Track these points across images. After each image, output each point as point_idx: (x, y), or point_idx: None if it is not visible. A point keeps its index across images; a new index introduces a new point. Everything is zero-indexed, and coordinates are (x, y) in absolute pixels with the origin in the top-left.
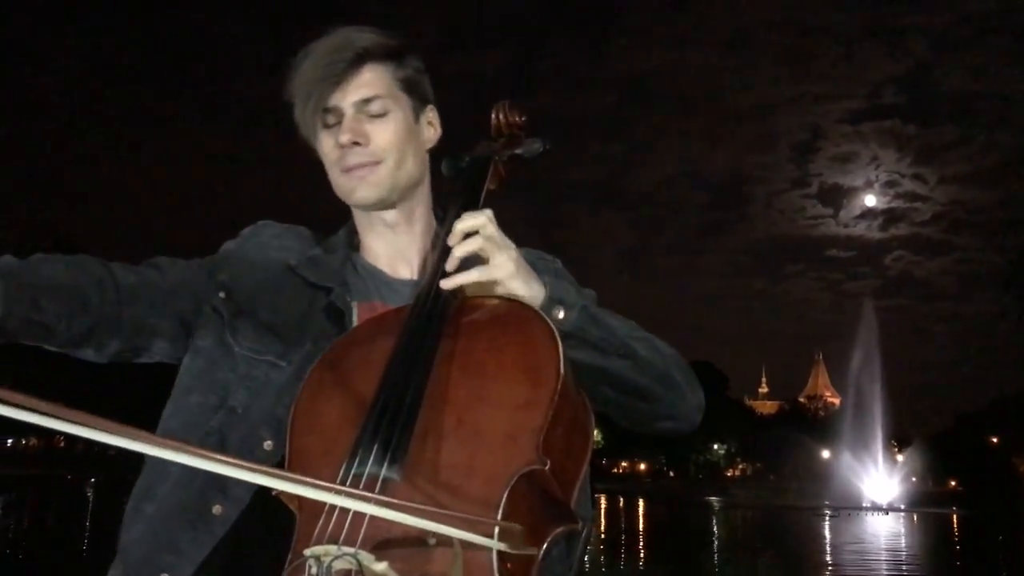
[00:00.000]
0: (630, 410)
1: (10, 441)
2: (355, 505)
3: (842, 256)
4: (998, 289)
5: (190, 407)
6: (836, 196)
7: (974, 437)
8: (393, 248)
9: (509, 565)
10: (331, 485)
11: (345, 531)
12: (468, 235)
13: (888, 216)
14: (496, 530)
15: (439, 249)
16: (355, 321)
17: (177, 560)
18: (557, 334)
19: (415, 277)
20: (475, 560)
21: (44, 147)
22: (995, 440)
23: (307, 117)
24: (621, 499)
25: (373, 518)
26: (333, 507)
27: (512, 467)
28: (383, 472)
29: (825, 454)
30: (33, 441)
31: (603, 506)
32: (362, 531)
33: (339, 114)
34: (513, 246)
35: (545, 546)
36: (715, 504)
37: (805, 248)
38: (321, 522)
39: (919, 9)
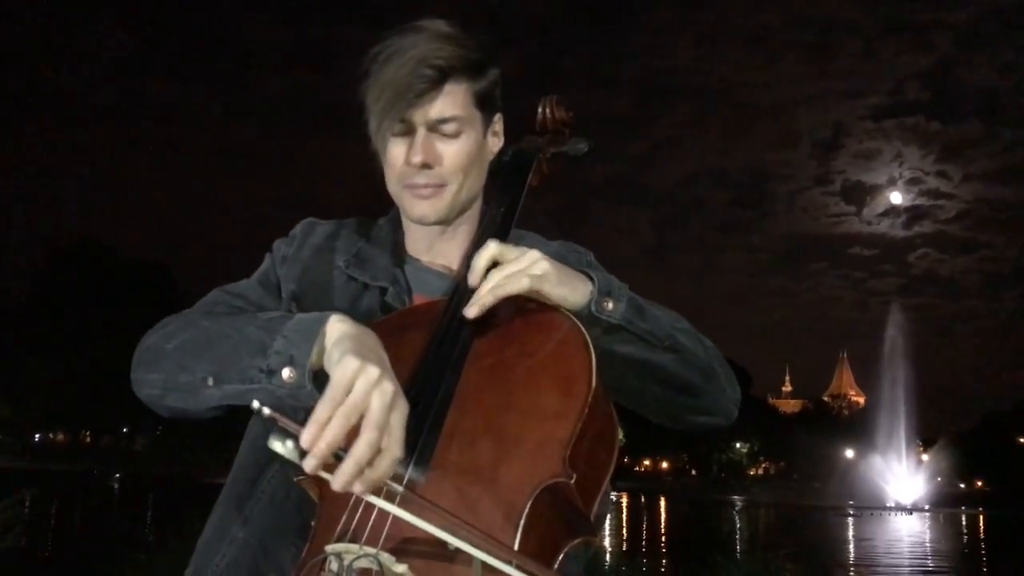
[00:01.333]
0: (671, 404)
1: (37, 436)
2: (378, 503)
3: (865, 254)
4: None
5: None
6: (859, 194)
7: (1001, 437)
8: (437, 243)
9: None
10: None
11: (368, 529)
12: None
13: (912, 214)
14: (515, 551)
15: (480, 246)
16: None
17: None
18: (591, 344)
19: (454, 270)
20: (496, 570)
21: (65, 144)
22: (1022, 440)
23: (381, 125)
24: (643, 497)
25: (395, 521)
26: (358, 502)
27: (537, 478)
28: (408, 473)
29: (849, 453)
30: (60, 436)
31: (625, 504)
32: (384, 530)
33: (412, 127)
34: (535, 254)
35: (562, 557)
36: (737, 503)
37: (828, 246)
38: (345, 517)
39: (943, 4)
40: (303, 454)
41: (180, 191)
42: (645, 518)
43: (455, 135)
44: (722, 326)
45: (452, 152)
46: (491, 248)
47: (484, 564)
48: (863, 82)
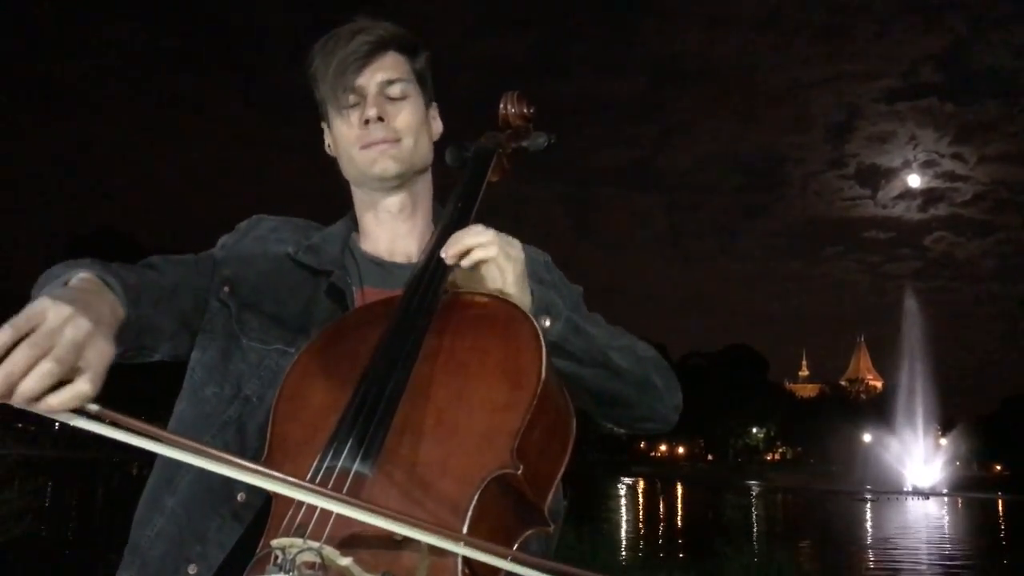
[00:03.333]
0: (607, 414)
1: (57, 424)
2: (322, 503)
3: (881, 238)
4: None
5: (206, 399)
6: (874, 177)
7: (1019, 421)
8: (393, 234)
9: (476, 569)
10: (297, 481)
11: (313, 523)
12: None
13: (927, 196)
14: (463, 535)
15: (433, 241)
16: (355, 305)
17: (204, 548)
18: (542, 336)
19: (411, 263)
20: (442, 561)
21: (81, 134)
22: None
23: (333, 94)
24: (659, 483)
25: (340, 515)
26: (302, 503)
27: (485, 469)
28: (355, 466)
29: (867, 438)
30: None
31: (641, 489)
32: (329, 524)
33: (362, 93)
34: (519, 251)
35: (515, 547)
36: (754, 488)
37: (843, 230)
38: (291, 512)
39: None
40: None
41: (199, 180)
42: (661, 504)
43: (403, 96)
44: (738, 311)
45: (402, 111)
46: (484, 236)
47: (431, 548)
48: (876, 64)
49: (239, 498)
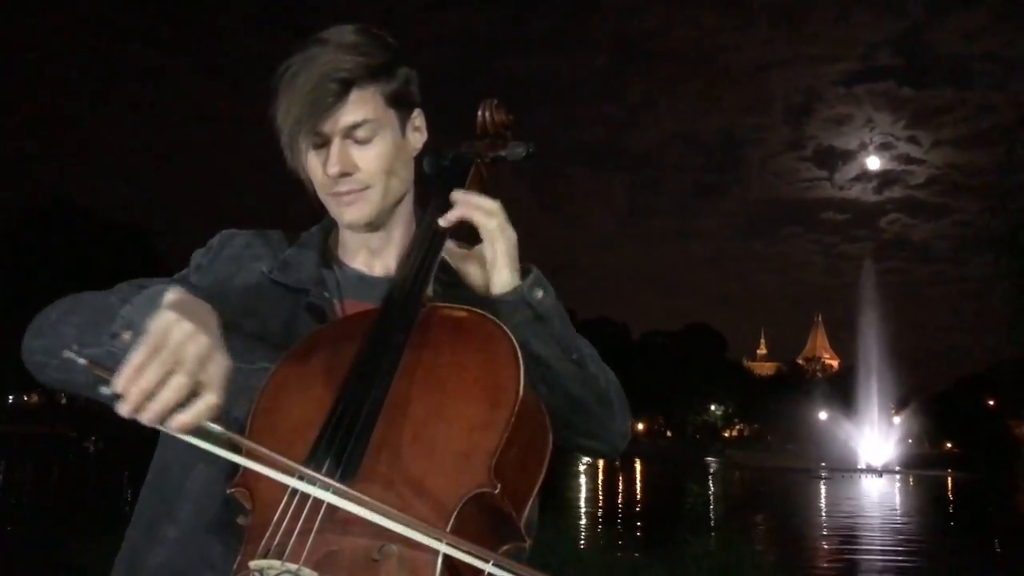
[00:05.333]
0: (563, 419)
1: (11, 398)
2: (311, 490)
3: (838, 219)
4: (994, 253)
5: None
6: (831, 159)
7: (971, 399)
8: (369, 249)
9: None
10: (289, 479)
11: (291, 545)
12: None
13: (883, 179)
14: (446, 532)
15: (410, 254)
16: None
17: (215, 575)
18: (520, 354)
19: (391, 275)
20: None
21: (37, 106)
22: (992, 403)
23: (293, 143)
24: (618, 460)
25: (319, 534)
26: (283, 515)
27: (463, 488)
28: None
29: (822, 416)
30: (35, 398)
31: (600, 466)
32: (307, 546)
33: (326, 138)
34: (513, 232)
35: (492, 562)
36: (712, 465)
37: (801, 211)
38: (270, 532)
39: None
40: (119, 398)
41: (158, 153)
42: (620, 481)
43: (369, 139)
44: (698, 289)
45: (369, 157)
46: (496, 204)
47: (410, 565)
48: (835, 47)
49: (239, 521)
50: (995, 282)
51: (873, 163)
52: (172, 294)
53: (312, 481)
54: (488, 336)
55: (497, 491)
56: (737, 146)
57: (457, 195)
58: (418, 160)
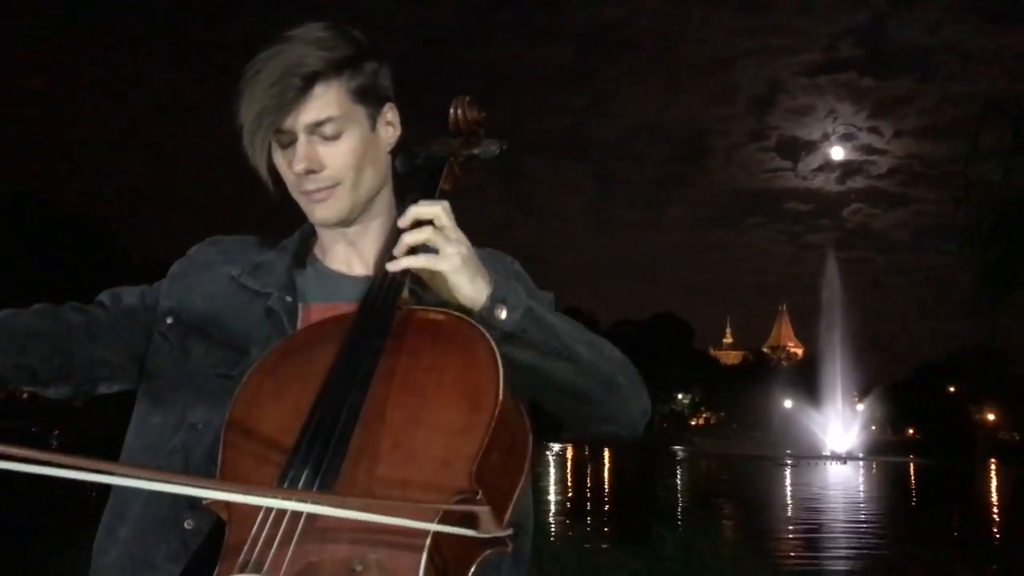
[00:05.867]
0: (572, 412)
1: None
2: (289, 505)
3: (802, 209)
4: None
5: (151, 428)
6: (794, 149)
7: (932, 387)
8: (348, 248)
9: None
10: (262, 499)
11: (270, 559)
12: (421, 223)
13: (845, 169)
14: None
15: (384, 256)
16: (297, 326)
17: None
18: (499, 357)
19: (371, 273)
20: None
21: None
22: (952, 389)
23: (257, 144)
24: (587, 448)
25: (298, 545)
26: (258, 534)
27: (444, 494)
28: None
29: (787, 404)
30: None
31: (570, 455)
32: (287, 559)
33: (292, 135)
34: (465, 240)
35: (473, 569)
36: (679, 453)
37: (765, 201)
38: (247, 546)
39: None
40: None
41: (121, 145)
42: (589, 469)
43: (336, 136)
44: (664, 279)
45: (336, 153)
46: (437, 207)
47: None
48: (798, 38)
49: (186, 524)
50: (959, 272)
51: (836, 153)
52: None
53: (289, 497)
54: (466, 339)
55: (479, 496)
56: (702, 136)
57: (397, 249)
58: (393, 156)
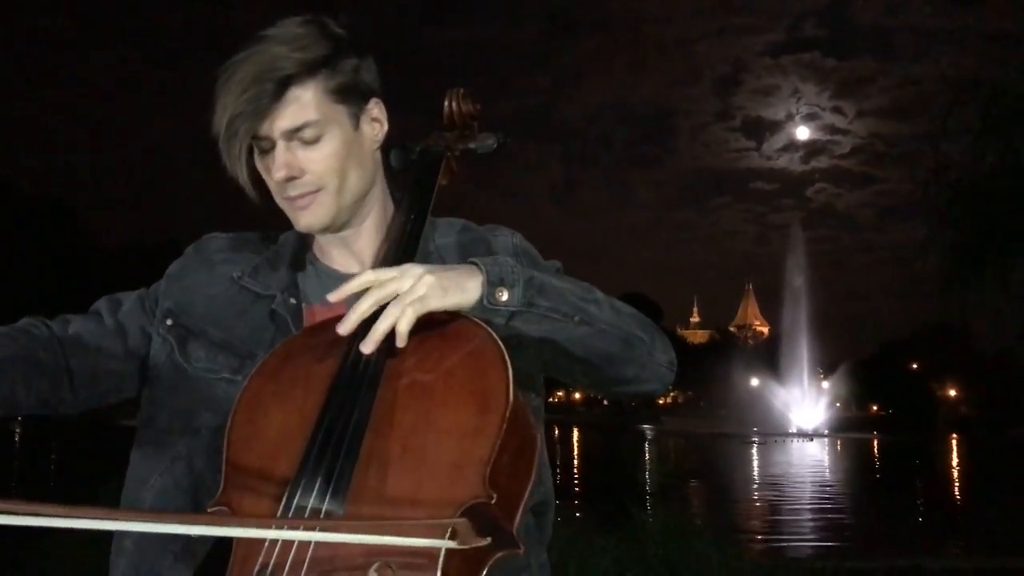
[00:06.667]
0: (597, 379)
1: None
2: (298, 536)
3: (767, 188)
4: (917, 219)
5: (154, 436)
6: (759, 129)
7: (896, 364)
8: (344, 247)
9: None
10: (269, 532)
11: (288, 567)
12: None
13: (809, 149)
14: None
15: (391, 253)
16: (302, 326)
17: None
18: (507, 355)
19: (367, 268)
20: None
21: None
22: (915, 366)
23: (233, 153)
24: (556, 429)
25: (312, 561)
26: (268, 557)
27: (457, 499)
28: (325, 505)
29: (754, 382)
30: None
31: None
32: (304, 567)
33: (270, 141)
34: (409, 268)
35: (485, 572)
36: (647, 432)
37: (730, 180)
38: (258, 567)
39: None
40: None
41: (85, 126)
42: (558, 448)
43: (315, 140)
44: (631, 259)
45: (317, 158)
46: (365, 278)
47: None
48: (761, 18)
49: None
50: (927, 252)
51: (801, 133)
52: None
53: (296, 527)
54: (472, 338)
55: (493, 501)
56: (667, 117)
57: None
58: (385, 151)
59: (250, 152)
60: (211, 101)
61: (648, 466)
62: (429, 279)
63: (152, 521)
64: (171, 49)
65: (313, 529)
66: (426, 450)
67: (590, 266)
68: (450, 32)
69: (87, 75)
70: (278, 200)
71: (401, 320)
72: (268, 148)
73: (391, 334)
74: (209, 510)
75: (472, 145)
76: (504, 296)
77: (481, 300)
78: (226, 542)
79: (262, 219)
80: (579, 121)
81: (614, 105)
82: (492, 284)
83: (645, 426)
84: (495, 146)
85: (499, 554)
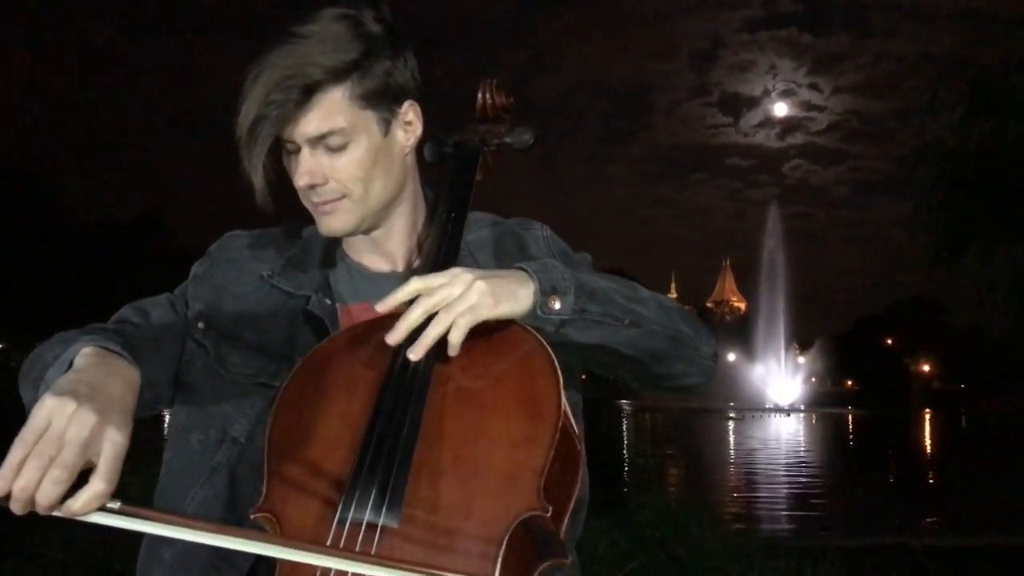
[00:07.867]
0: (644, 374)
1: None
2: (355, 567)
3: (743, 165)
4: (890, 197)
5: (192, 446)
6: (736, 105)
7: (870, 339)
8: (375, 246)
9: None
10: (328, 551)
11: None
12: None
13: (785, 125)
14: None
15: (433, 254)
16: (338, 327)
17: None
18: (556, 361)
19: (399, 270)
20: None
21: None
22: (890, 342)
23: (253, 157)
24: None
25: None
26: (326, 571)
27: (512, 511)
28: (381, 520)
29: (731, 357)
30: None
31: None
32: None
33: (296, 145)
34: (467, 280)
35: None
36: (626, 407)
37: (707, 156)
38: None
39: None
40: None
41: (58, 99)
42: None
43: (341, 147)
44: (609, 235)
45: (341, 166)
46: (413, 286)
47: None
48: None
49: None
50: (910, 230)
51: (778, 110)
52: (82, 357)
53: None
54: (520, 344)
55: (549, 513)
56: (645, 93)
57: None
58: (420, 144)
59: (278, 149)
60: (238, 96)
61: (625, 440)
62: (481, 286)
63: (230, 535)
64: (138, 17)
65: (372, 563)
66: (478, 460)
67: (567, 242)
68: (426, 5)
69: (56, 44)
70: (304, 201)
71: (453, 331)
72: (294, 150)
73: (440, 340)
74: (252, 516)
75: (508, 140)
76: (556, 305)
77: (534, 309)
78: (266, 560)
79: (240, 200)
80: (556, 96)
81: (591, 81)
82: (544, 293)
83: (624, 401)
84: (531, 141)
85: (545, 563)
